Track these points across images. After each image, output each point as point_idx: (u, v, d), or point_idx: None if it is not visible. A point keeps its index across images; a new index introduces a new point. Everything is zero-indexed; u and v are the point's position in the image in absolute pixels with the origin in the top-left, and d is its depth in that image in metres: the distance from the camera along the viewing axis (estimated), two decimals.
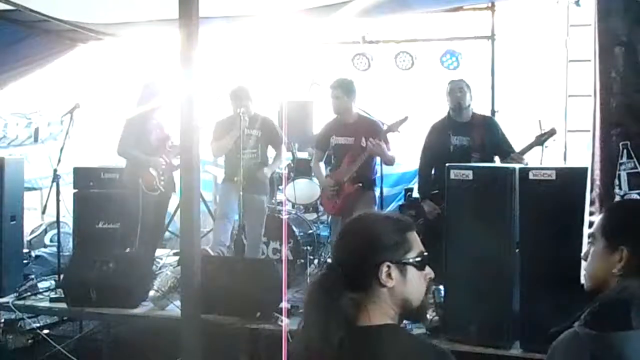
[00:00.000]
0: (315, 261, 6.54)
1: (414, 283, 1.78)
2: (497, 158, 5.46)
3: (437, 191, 5.28)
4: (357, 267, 1.73)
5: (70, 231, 6.54)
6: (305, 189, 6.68)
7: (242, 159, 5.56)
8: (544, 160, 5.24)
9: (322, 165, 6.04)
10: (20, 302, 5.38)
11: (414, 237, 1.81)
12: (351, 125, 5.70)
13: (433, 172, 5.57)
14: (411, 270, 1.77)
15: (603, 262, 1.91)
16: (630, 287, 1.77)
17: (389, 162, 5.75)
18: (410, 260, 1.77)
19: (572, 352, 1.70)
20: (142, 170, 5.67)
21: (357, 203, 5.65)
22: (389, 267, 1.73)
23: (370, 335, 1.69)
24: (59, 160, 5.90)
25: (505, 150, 5.33)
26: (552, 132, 5.06)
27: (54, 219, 6.18)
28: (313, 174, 6.50)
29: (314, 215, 6.98)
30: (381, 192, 6.12)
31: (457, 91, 5.42)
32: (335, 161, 5.86)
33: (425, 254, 1.80)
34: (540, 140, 5.07)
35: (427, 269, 1.82)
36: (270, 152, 6.16)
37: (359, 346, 1.66)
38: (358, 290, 1.72)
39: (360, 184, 5.65)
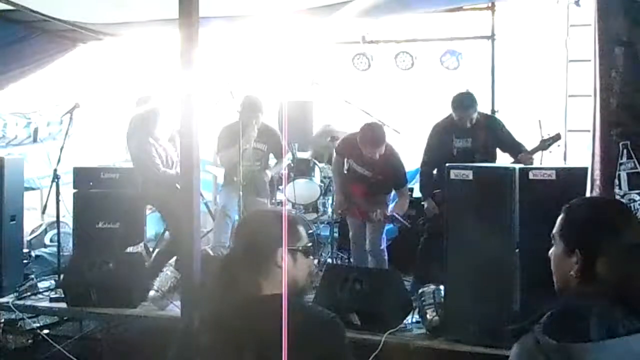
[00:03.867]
0: (315, 261, 6.53)
1: (302, 267, 2.20)
2: (505, 155, 5.44)
3: (438, 190, 5.28)
4: (258, 250, 2.13)
5: (70, 231, 6.54)
6: (305, 189, 6.67)
7: (244, 170, 5.59)
8: (544, 160, 5.25)
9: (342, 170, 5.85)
10: (20, 302, 5.38)
11: (303, 230, 2.27)
12: (371, 158, 5.39)
13: (435, 172, 5.56)
14: (300, 256, 2.19)
15: (562, 265, 1.85)
16: (587, 295, 1.74)
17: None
18: (300, 248, 2.18)
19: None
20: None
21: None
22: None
23: (263, 302, 2.07)
24: (59, 160, 5.90)
25: (511, 146, 5.31)
26: (556, 138, 5.09)
27: (54, 219, 6.17)
28: (331, 173, 6.48)
29: (314, 215, 6.98)
30: None
31: (466, 119, 5.28)
32: (349, 179, 5.67)
33: (310, 245, 2.27)
34: (545, 144, 5.10)
35: (311, 258, 2.29)
36: (272, 158, 6.20)
37: (253, 313, 2.03)
38: (256, 268, 2.12)
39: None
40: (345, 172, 5.68)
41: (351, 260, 6.33)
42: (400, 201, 5.61)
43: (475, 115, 5.34)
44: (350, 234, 5.97)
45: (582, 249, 1.79)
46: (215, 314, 2.09)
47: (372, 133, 5.36)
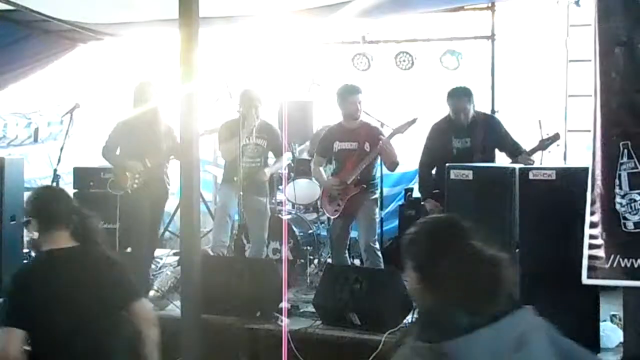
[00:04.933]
0: (315, 261, 6.54)
1: None
2: (502, 155, 5.44)
3: (437, 191, 5.28)
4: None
5: None
6: (305, 189, 6.67)
7: (244, 166, 5.59)
8: (544, 160, 5.25)
9: (321, 169, 6.03)
10: None
11: None
12: (354, 130, 5.72)
13: (434, 172, 5.56)
14: None
15: (410, 278, 2.05)
16: (437, 300, 1.91)
17: (394, 165, 5.76)
18: None
19: None
20: (117, 170, 5.78)
21: (360, 205, 5.66)
22: None
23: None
24: (59, 160, 5.91)
25: (509, 146, 5.32)
26: (555, 137, 5.10)
27: None
28: (313, 176, 6.47)
29: (314, 215, 6.97)
30: (381, 192, 6.12)
31: (460, 110, 5.33)
32: (337, 165, 5.84)
33: None
34: (544, 144, 5.10)
35: None
36: (271, 157, 6.18)
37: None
38: None
39: (364, 186, 5.65)
40: (334, 154, 5.78)
41: (351, 260, 6.34)
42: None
43: (470, 108, 5.35)
44: (333, 237, 5.94)
45: (416, 265, 2.00)
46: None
47: (347, 84, 5.81)
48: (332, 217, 5.90)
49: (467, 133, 5.35)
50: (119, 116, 5.93)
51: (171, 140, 5.68)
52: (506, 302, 1.87)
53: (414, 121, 5.57)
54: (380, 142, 5.52)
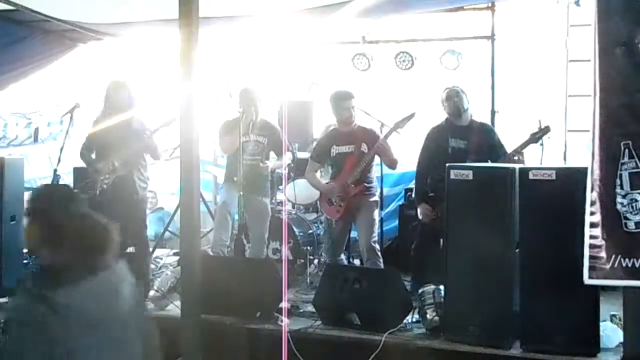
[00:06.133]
0: (315, 261, 6.53)
1: None
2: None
3: (432, 194, 5.29)
4: None
5: None
6: (305, 189, 6.67)
7: (245, 164, 5.59)
8: (544, 160, 5.24)
9: (317, 175, 6.03)
10: None
11: None
12: (350, 133, 5.75)
13: (429, 177, 5.57)
14: None
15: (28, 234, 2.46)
16: (56, 256, 2.33)
17: (393, 163, 5.75)
18: None
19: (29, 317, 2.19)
20: (90, 172, 5.78)
21: (361, 206, 5.66)
22: None
23: None
24: (59, 160, 5.90)
25: (500, 154, 5.35)
26: (546, 130, 5.06)
27: None
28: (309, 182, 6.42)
29: (314, 215, 6.97)
30: (381, 192, 6.12)
31: (454, 96, 5.42)
32: (335, 169, 5.85)
33: None
34: (535, 137, 5.07)
35: None
36: (273, 157, 6.18)
37: None
38: None
39: (365, 184, 5.65)
40: (332, 159, 5.81)
41: (351, 260, 6.34)
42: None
43: (466, 106, 5.40)
44: (332, 238, 5.89)
45: (40, 226, 2.37)
46: None
47: (339, 90, 5.85)
48: (333, 219, 5.86)
49: (463, 135, 5.40)
50: (93, 117, 5.85)
51: (142, 139, 5.64)
52: (110, 259, 2.39)
53: (412, 116, 5.59)
54: (379, 142, 5.55)
